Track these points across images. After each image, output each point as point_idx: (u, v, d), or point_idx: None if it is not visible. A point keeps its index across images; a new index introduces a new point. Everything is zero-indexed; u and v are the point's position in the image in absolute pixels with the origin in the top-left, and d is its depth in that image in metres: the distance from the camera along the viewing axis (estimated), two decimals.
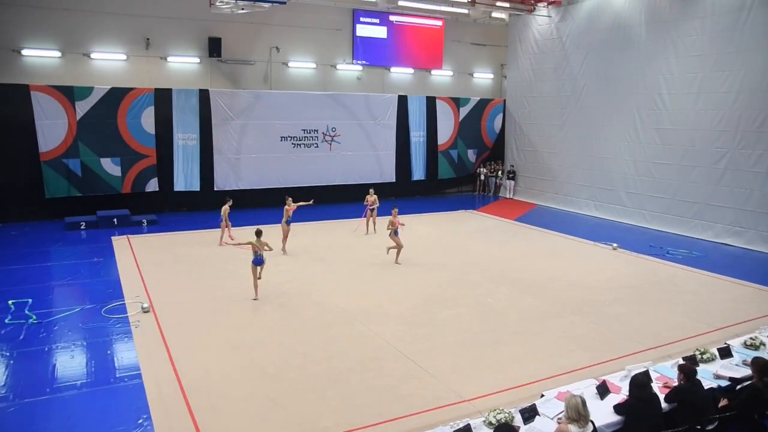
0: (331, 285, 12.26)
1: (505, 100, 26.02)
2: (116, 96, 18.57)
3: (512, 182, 25.33)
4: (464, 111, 25.43)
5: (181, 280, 12.39)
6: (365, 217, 17.68)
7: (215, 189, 20.31)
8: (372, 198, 17.52)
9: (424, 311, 10.77)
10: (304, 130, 21.91)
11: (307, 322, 10.14)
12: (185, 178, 19.92)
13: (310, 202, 15.59)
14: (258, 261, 10.98)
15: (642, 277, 13.29)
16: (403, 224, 14.14)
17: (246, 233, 16.76)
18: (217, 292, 11.65)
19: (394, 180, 24.05)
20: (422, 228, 17.25)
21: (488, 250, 15.57)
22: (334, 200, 22.80)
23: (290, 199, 14.74)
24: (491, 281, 12.68)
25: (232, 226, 15.66)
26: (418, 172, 24.82)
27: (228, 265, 13.62)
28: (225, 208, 15.51)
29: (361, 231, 17.43)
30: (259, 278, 11.16)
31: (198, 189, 20.10)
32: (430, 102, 24.55)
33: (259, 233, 11.11)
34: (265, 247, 11.12)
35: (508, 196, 25.45)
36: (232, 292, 11.62)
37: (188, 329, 9.72)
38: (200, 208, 20.01)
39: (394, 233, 13.85)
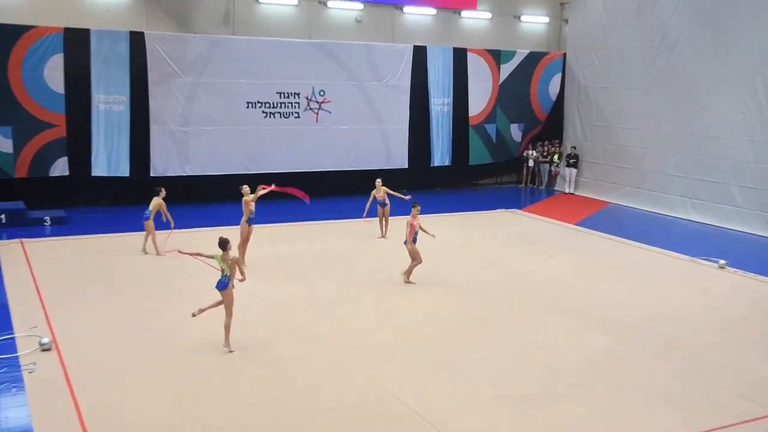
0: (315, 312, 12.18)
1: (565, 55, 25.86)
2: (6, 38, 18.42)
3: (574, 171, 25.19)
4: (507, 69, 25.25)
5: (100, 305, 12.19)
6: (375, 216, 17.69)
7: (152, 175, 20.19)
8: (381, 193, 17.42)
9: (445, 351, 10.70)
10: (280, 93, 21.80)
11: (280, 365, 10.04)
12: (108, 158, 19.78)
13: (271, 187, 15.12)
14: (220, 284, 10.36)
15: (763, 308, 13.13)
16: (432, 235, 13.98)
17: (190, 239, 16.61)
18: (153, 321, 11.53)
19: (406, 166, 23.91)
20: (445, 234, 17.05)
21: (538, 267, 15.47)
22: (322, 193, 22.52)
23: (246, 188, 14.53)
24: (541, 310, 12.63)
25: (171, 228, 15.52)
26: (441, 156, 24.68)
27: (171, 283, 13.47)
28: (156, 202, 15.38)
29: (370, 229, 17.51)
30: (225, 327, 10.29)
31: (127, 174, 19.99)
32: (459, 56, 24.40)
33: (223, 244, 10.38)
34: (236, 271, 10.31)
35: (567, 191, 25.32)
36: (173, 322, 11.44)
37: (107, 375, 9.53)
38: (130, 201, 19.79)
39: (413, 241, 13.70)
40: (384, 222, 17.58)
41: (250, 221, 14.46)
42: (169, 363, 9.99)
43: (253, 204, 14.39)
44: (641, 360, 10.59)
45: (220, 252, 10.34)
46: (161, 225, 15.66)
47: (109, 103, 19.65)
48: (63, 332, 10.86)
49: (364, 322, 11.80)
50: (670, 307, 13.04)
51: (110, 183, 20.08)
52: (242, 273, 10.56)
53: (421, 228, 13.79)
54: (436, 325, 11.74)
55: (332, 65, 22.35)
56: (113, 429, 8.23)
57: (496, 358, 10.45)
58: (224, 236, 10.50)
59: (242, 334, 10.83)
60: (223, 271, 10.33)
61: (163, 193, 15.59)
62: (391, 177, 20.01)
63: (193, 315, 10.44)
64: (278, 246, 16.46)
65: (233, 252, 10.60)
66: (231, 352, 10.29)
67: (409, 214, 14.01)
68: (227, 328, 10.37)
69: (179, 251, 10.77)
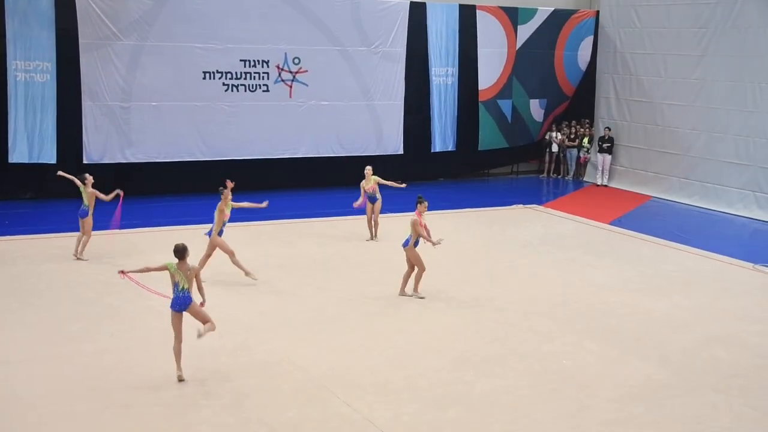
0: (292, 334, 12.14)
1: (598, 13, 25.83)
2: None
3: (608, 157, 25.19)
4: (526, 31, 25.26)
5: (14, 325, 12.08)
6: (363, 213, 17.73)
7: (85, 162, 20.07)
8: (371, 185, 17.42)
9: (451, 380, 10.70)
10: (244, 61, 21.76)
11: (247, 400, 9.94)
12: (30, 141, 19.67)
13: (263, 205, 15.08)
14: (180, 302, 10.16)
15: None
16: (437, 242, 13.77)
17: (129, 243, 16.56)
18: (85, 345, 11.45)
19: (401, 152, 23.89)
20: (449, 236, 17.04)
21: (563, 277, 15.47)
22: (297, 185, 22.63)
23: (228, 188, 14.26)
24: (569, 330, 12.67)
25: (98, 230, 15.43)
26: (444, 139, 24.67)
27: (104, 297, 13.38)
28: (88, 192, 15.25)
29: (356, 231, 17.56)
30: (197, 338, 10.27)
31: (53, 161, 19.82)
32: (467, 15, 24.38)
33: (180, 252, 10.21)
34: (194, 284, 10.27)
35: (599, 182, 25.34)
36: (108, 347, 11.42)
37: (20, 415, 9.39)
38: (57, 194, 19.68)
39: (414, 244, 13.70)
40: (374, 221, 17.59)
41: (221, 232, 14.32)
42: (102, 400, 9.85)
43: (228, 211, 14.24)
44: (692, 392, 10.53)
45: (173, 260, 10.17)
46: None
47: (30, 72, 19.51)
48: None
49: (349, 347, 11.73)
50: (729, 326, 12.98)
51: (32, 172, 19.97)
52: (201, 293, 10.43)
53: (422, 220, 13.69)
54: (439, 349, 11.67)
55: (309, 26, 22.24)
56: None
57: (512, 390, 10.39)
58: (181, 242, 10.35)
59: (199, 363, 10.73)
60: (177, 284, 10.15)
61: (90, 180, 15.35)
62: (382, 165, 19.94)
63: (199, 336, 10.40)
64: (242, 251, 16.30)
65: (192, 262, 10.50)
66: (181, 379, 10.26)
67: (411, 211, 13.92)
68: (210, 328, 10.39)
69: (124, 273, 10.52)
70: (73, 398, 9.87)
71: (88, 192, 15.31)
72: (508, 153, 26.33)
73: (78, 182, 15.40)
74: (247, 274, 14.34)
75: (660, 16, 23.61)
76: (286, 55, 22.18)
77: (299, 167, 22.64)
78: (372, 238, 17.55)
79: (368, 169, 17.55)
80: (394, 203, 18.07)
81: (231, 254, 14.37)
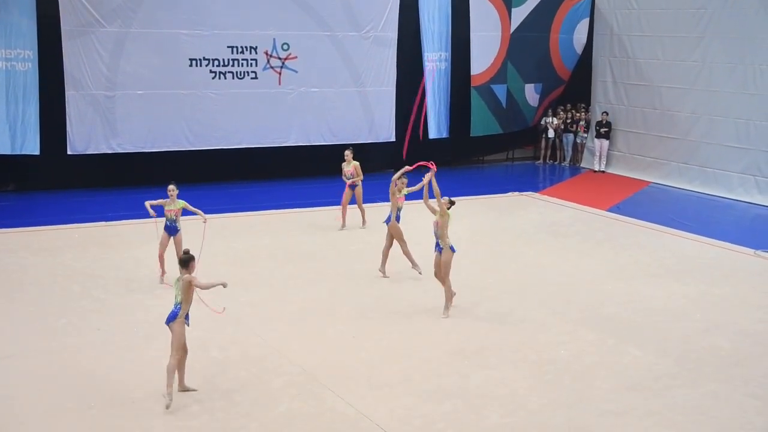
0: (283, 326, 12.15)
1: None
2: None
3: (605, 142, 25.20)
4: (520, 14, 25.20)
5: (1, 322, 12.08)
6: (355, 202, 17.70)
7: (69, 153, 20.11)
8: (350, 167, 17.46)
9: (447, 372, 10.72)
10: (232, 47, 21.70)
11: (238, 394, 9.98)
12: (12, 132, 19.52)
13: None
14: (169, 313, 9.80)
15: None
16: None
17: (107, 234, 16.53)
18: (72, 340, 11.47)
19: (393, 139, 23.89)
20: None
21: (561, 266, 15.50)
22: (287, 174, 22.63)
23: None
24: (565, 320, 12.71)
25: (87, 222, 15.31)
26: (437, 126, 24.63)
27: (93, 291, 13.41)
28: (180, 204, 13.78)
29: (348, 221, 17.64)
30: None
31: (37, 152, 19.80)
32: None
33: (181, 262, 9.78)
34: (190, 297, 9.80)
35: (597, 168, 25.34)
36: (99, 341, 11.44)
37: (11, 417, 9.42)
38: (41, 185, 19.80)
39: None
40: (359, 208, 17.63)
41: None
42: (90, 395, 9.86)
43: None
44: (693, 382, 10.56)
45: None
46: None
47: (11, 61, 19.37)
48: None
49: (342, 339, 11.75)
50: (729, 314, 13.02)
51: (15, 163, 19.90)
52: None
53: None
54: (433, 341, 11.70)
55: (298, 11, 22.15)
56: None
57: (508, 381, 10.43)
58: (185, 252, 9.91)
59: (189, 357, 10.77)
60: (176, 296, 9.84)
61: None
62: (373, 153, 19.95)
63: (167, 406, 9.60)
64: (231, 242, 16.31)
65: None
66: (169, 403, 9.48)
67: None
68: (170, 371, 9.67)
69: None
70: (60, 394, 9.87)
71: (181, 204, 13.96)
72: (503, 139, 26.32)
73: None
74: (413, 266, 14.29)
75: None
76: (274, 41, 22.10)
77: (289, 156, 22.59)
78: (361, 225, 17.57)
79: (348, 153, 17.65)
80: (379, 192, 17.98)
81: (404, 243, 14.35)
